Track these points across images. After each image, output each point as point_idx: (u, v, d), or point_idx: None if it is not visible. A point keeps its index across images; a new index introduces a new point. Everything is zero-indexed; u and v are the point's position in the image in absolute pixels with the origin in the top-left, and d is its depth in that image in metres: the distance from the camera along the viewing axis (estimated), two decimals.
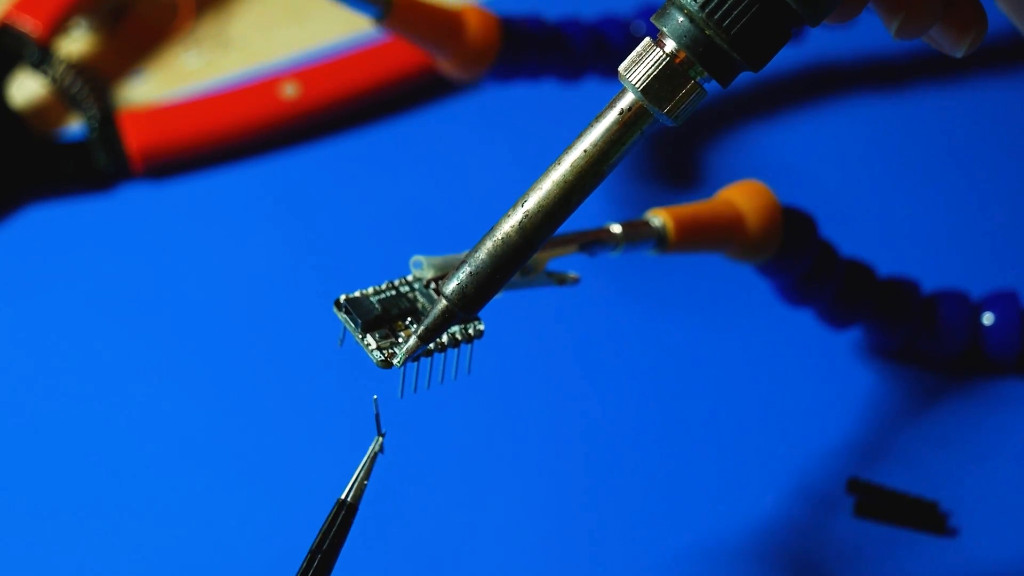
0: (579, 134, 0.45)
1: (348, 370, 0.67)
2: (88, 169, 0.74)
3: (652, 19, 0.44)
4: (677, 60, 0.43)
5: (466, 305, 0.45)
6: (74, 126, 0.76)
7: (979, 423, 0.66)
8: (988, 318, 0.66)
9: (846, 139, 0.77)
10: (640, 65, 0.44)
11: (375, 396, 0.49)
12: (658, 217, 0.56)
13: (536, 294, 0.49)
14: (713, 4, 0.43)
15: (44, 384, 0.67)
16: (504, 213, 0.45)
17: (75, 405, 0.66)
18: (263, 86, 0.76)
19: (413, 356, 0.47)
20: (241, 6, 0.81)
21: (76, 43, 0.79)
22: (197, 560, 0.61)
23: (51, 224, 0.72)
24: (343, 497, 0.48)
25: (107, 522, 0.62)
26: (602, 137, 0.44)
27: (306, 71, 0.76)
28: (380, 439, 0.49)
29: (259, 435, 0.65)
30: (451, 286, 0.45)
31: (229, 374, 0.67)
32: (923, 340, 0.66)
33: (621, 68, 0.44)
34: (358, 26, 0.80)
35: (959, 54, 0.46)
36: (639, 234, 0.55)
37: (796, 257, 0.60)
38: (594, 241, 0.53)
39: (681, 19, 0.43)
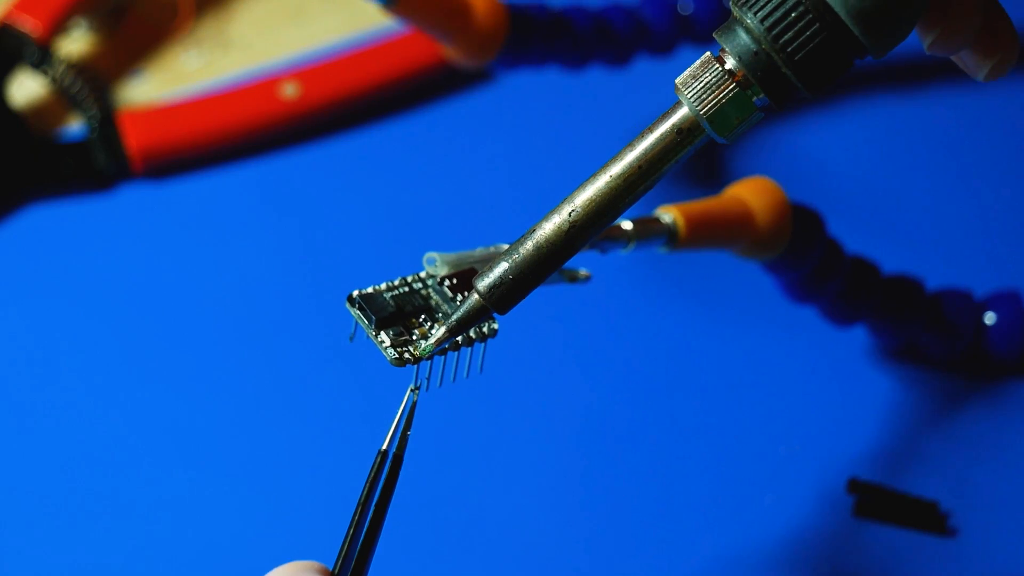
0: (630, 142, 0.45)
1: (347, 370, 0.67)
2: (88, 169, 0.74)
3: (715, 34, 0.44)
4: (736, 79, 0.43)
5: (499, 302, 0.45)
6: (74, 126, 0.76)
7: (980, 423, 0.66)
8: (990, 318, 0.66)
9: (855, 138, 0.77)
10: (698, 81, 0.43)
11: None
12: (668, 214, 0.56)
13: (547, 292, 0.49)
14: (780, 28, 0.42)
15: (44, 383, 0.67)
16: (545, 215, 0.45)
17: (75, 404, 0.66)
18: (263, 86, 0.76)
19: (439, 349, 0.47)
20: (241, 6, 0.81)
21: (76, 43, 0.79)
22: (198, 559, 0.62)
23: (51, 224, 0.72)
24: (384, 448, 0.47)
25: (107, 521, 0.62)
26: (654, 149, 0.44)
27: (306, 71, 0.76)
28: (415, 391, 0.48)
29: (258, 435, 0.65)
30: (485, 282, 0.45)
31: (228, 374, 0.67)
32: (926, 339, 0.66)
33: (678, 81, 0.44)
34: (358, 26, 0.80)
35: (981, 77, 0.46)
36: (650, 231, 0.55)
37: (804, 254, 0.60)
38: (606, 238, 0.53)
39: (745, 39, 0.43)
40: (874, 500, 0.63)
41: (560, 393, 0.67)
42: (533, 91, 0.78)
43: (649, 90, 0.77)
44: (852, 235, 0.65)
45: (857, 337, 0.68)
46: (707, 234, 0.56)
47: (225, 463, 0.64)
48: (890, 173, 0.76)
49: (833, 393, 0.67)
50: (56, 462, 0.64)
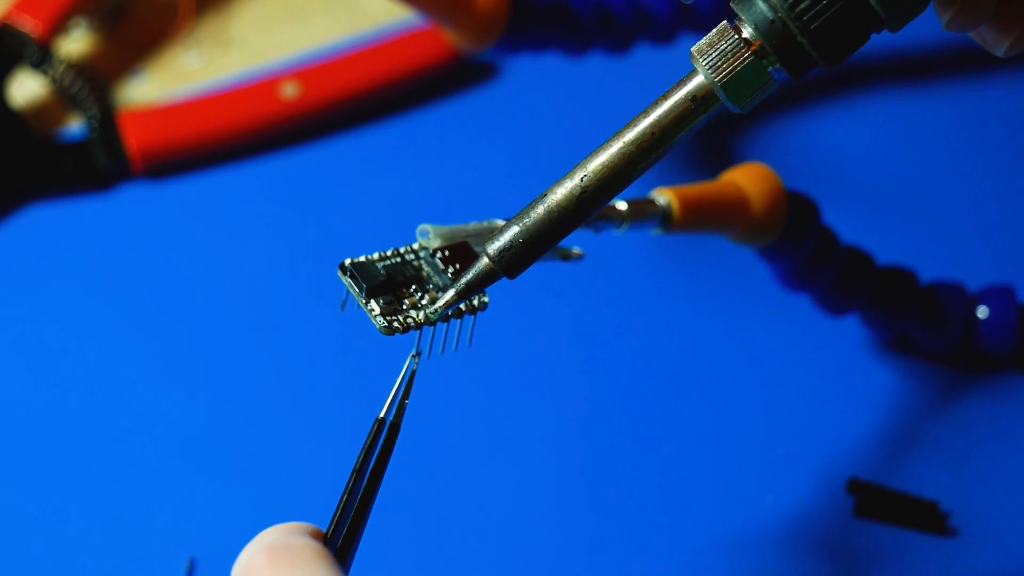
0: (644, 109, 0.45)
1: (347, 370, 0.67)
2: (88, 169, 0.74)
3: (732, 3, 0.44)
4: (752, 48, 0.43)
5: (508, 266, 0.45)
6: (74, 126, 0.76)
7: (980, 423, 0.66)
8: (983, 311, 0.66)
9: (853, 129, 0.77)
10: (714, 50, 0.44)
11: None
12: (664, 196, 0.56)
13: (539, 270, 0.49)
14: None
15: (44, 384, 0.67)
16: (556, 180, 0.45)
17: (76, 405, 0.66)
18: (263, 86, 0.76)
19: (443, 315, 0.47)
20: (241, 6, 0.81)
21: (76, 43, 0.79)
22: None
23: (51, 224, 0.72)
24: (381, 416, 0.47)
25: (108, 521, 0.62)
26: (668, 116, 0.44)
27: (306, 71, 0.76)
28: (416, 357, 0.48)
29: (259, 434, 0.65)
30: (496, 246, 0.45)
31: (229, 373, 0.67)
32: (918, 331, 0.66)
33: (694, 50, 0.44)
34: (358, 26, 0.80)
35: (1000, 53, 0.46)
36: (644, 212, 0.55)
37: (798, 242, 0.60)
38: (600, 217, 0.53)
39: (762, 7, 0.43)
40: (874, 500, 0.63)
41: (550, 380, 0.67)
42: (531, 83, 0.78)
43: (649, 78, 0.77)
44: (847, 225, 0.65)
45: (853, 328, 0.67)
46: (701, 218, 0.56)
47: (227, 461, 0.64)
48: (886, 165, 0.76)
49: (832, 387, 0.67)
50: (57, 463, 0.64)
